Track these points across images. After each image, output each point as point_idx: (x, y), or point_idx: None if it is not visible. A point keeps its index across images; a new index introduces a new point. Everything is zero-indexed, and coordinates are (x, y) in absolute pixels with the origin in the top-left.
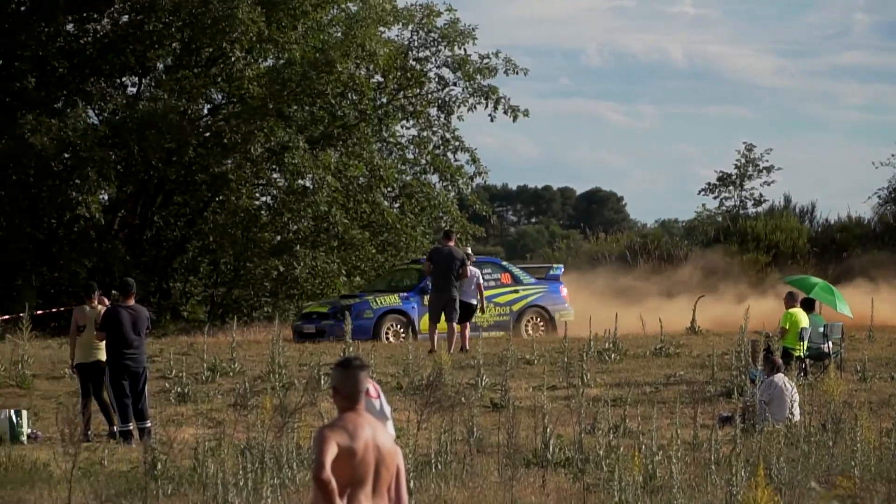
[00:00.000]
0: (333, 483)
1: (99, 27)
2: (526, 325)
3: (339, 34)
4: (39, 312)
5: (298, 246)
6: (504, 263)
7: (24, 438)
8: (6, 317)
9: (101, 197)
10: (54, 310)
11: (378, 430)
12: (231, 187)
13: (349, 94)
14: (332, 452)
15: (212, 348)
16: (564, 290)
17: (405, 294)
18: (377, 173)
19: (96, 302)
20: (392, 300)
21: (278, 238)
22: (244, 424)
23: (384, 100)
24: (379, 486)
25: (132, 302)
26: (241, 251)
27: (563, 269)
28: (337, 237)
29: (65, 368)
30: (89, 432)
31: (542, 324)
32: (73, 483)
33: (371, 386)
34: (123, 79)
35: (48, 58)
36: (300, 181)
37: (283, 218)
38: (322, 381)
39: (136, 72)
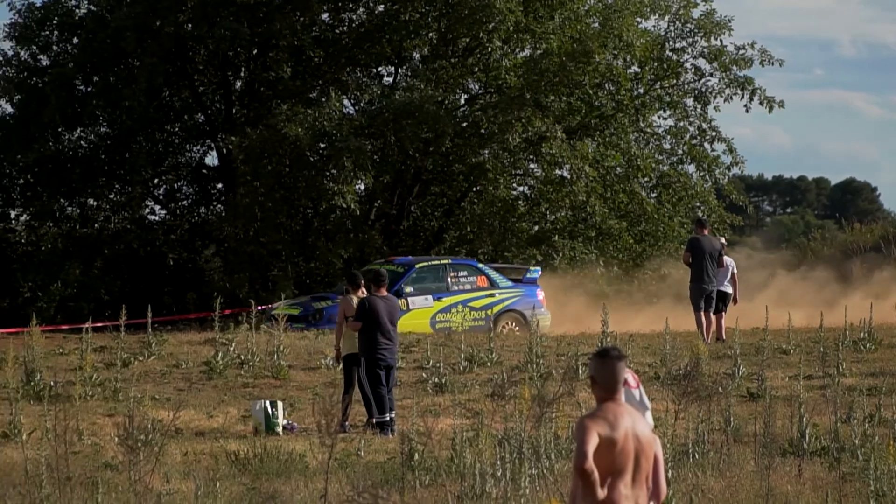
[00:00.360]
0: (595, 473)
1: (354, 17)
2: (502, 330)
3: (596, 25)
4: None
5: (556, 236)
6: (480, 266)
7: (280, 429)
8: (262, 307)
9: (357, 187)
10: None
11: (637, 420)
12: (488, 177)
13: (606, 85)
14: (593, 442)
15: (469, 338)
16: (541, 294)
17: None
18: (634, 163)
19: (361, 292)
20: None
21: (536, 228)
22: (502, 414)
23: (641, 90)
24: (638, 476)
25: (385, 292)
26: (499, 241)
27: (539, 272)
28: (595, 227)
29: (321, 359)
30: (346, 423)
31: (517, 329)
32: (330, 474)
33: (630, 376)
34: (379, 68)
35: (303, 47)
36: (558, 171)
37: (540, 208)
38: (580, 371)
39: (392, 61)
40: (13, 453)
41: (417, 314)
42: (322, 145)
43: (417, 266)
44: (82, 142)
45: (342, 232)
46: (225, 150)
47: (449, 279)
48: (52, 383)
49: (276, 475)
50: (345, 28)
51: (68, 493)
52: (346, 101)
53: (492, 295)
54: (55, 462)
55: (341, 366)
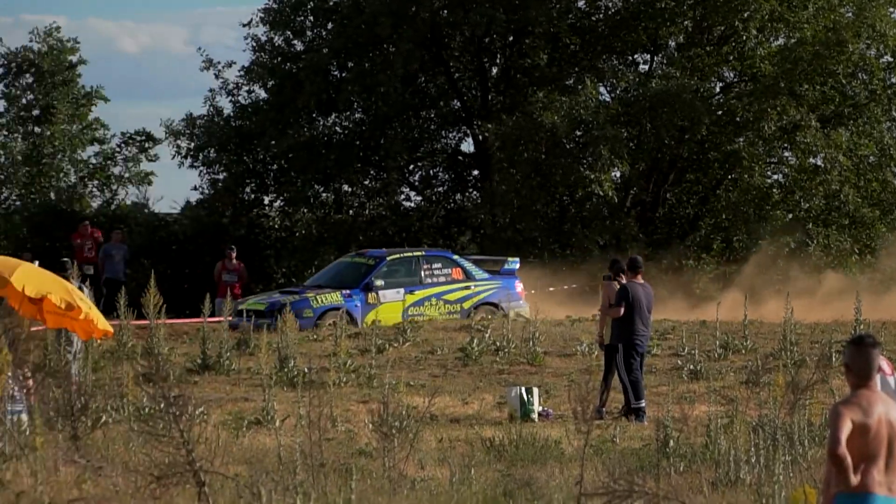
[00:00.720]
0: (848, 459)
1: (610, 4)
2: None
3: (850, 14)
4: (550, 289)
5: (810, 224)
6: (455, 257)
7: (535, 416)
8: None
9: (613, 174)
10: (564, 287)
11: (891, 407)
12: (743, 165)
13: (859, 74)
14: (846, 429)
15: (723, 325)
16: (520, 286)
17: (347, 291)
18: (887, 152)
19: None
20: (334, 298)
21: (790, 216)
22: (756, 401)
23: (894, 80)
24: (891, 462)
25: (641, 279)
26: (754, 229)
27: (518, 263)
28: (848, 215)
29: (577, 345)
30: (603, 409)
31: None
32: (585, 460)
33: (885, 363)
34: (635, 56)
35: (559, 34)
36: (811, 160)
37: (794, 196)
38: (833, 359)
39: (647, 49)
40: (266, 440)
41: (388, 308)
42: (578, 133)
43: (389, 258)
44: (337, 128)
45: (598, 219)
46: (481, 137)
47: (422, 272)
48: (305, 370)
49: (532, 462)
50: (601, 15)
51: (322, 479)
52: (601, 89)
53: (467, 287)
54: (309, 448)
55: (599, 352)
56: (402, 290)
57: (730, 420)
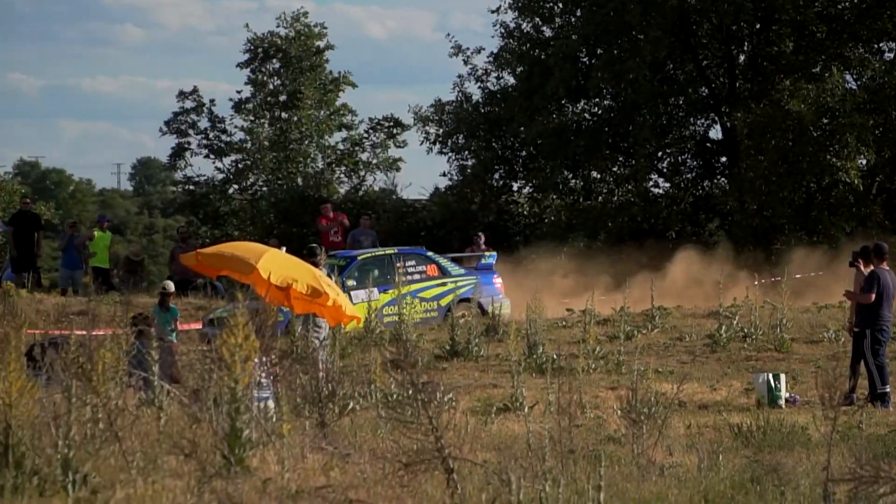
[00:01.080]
0: None
1: None
2: (458, 320)
3: None
4: (797, 276)
5: None
6: (430, 254)
7: (782, 402)
8: (762, 280)
9: (859, 162)
10: (811, 273)
11: None
12: None
13: None
14: None
15: None
16: (499, 281)
17: None
18: None
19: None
20: None
21: None
22: None
23: None
24: None
25: (886, 266)
26: None
27: (496, 257)
28: None
29: (823, 332)
30: (854, 395)
31: (473, 319)
32: (832, 446)
33: None
34: (880, 44)
35: (805, 22)
36: None
37: None
38: None
39: (893, 37)
40: (515, 426)
41: (362, 308)
42: (825, 121)
43: (360, 258)
44: (586, 114)
45: (844, 206)
46: (728, 125)
47: (396, 270)
48: (554, 356)
49: (779, 448)
50: (846, 3)
51: (571, 465)
52: (847, 77)
53: (443, 284)
54: (558, 435)
55: (846, 338)
56: (375, 290)
57: None
